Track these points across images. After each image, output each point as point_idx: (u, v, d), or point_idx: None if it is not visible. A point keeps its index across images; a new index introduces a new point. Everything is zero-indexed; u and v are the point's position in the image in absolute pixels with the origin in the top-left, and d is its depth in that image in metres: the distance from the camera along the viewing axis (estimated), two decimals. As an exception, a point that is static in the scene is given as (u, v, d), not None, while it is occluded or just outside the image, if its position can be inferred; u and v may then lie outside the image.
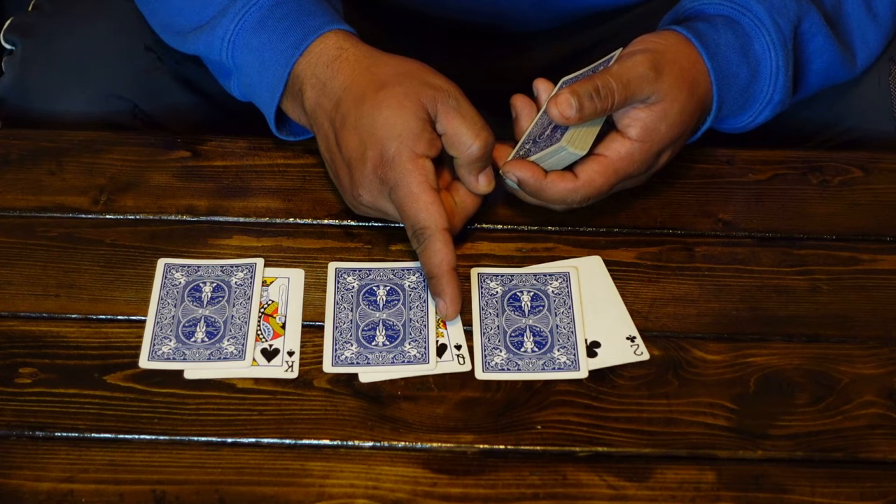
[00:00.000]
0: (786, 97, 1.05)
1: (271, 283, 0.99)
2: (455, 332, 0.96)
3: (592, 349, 0.95)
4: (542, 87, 1.02)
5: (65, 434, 0.89)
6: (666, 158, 1.02)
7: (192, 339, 0.94)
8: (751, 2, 1.03)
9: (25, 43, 1.19)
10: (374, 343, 0.94)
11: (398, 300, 0.97)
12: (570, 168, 0.99)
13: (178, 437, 0.89)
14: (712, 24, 1.03)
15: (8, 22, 1.21)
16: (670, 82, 0.98)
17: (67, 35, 1.17)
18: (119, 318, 0.96)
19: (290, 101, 1.03)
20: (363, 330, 0.95)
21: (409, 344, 0.94)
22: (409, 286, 0.98)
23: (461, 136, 0.97)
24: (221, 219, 1.04)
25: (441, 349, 0.94)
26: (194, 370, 0.93)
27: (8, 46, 1.20)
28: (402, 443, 0.89)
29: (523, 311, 0.97)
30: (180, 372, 0.93)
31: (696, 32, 1.02)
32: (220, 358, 0.93)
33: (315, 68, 1.00)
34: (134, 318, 0.96)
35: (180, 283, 0.98)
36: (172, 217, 1.04)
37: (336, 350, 0.94)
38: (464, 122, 0.97)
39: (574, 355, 0.94)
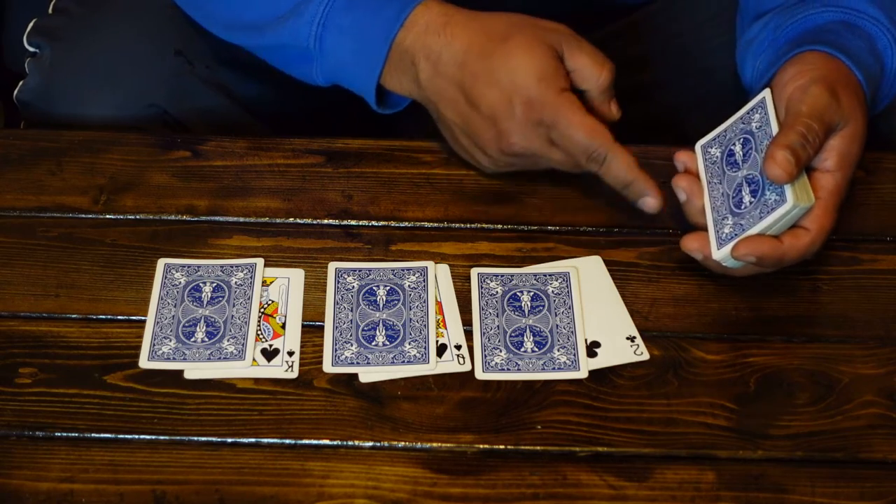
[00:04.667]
0: None
1: (271, 283, 0.99)
2: (455, 332, 0.96)
3: (592, 349, 0.95)
4: (686, 157, 1.00)
5: (65, 434, 0.89)
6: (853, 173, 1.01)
7: (192, 339, 0.94)
8: (862, 3, 1.03)
9: (53, 47, 1.17)
10: (374, 343, 0.94)
11: (398, 300, 0.97)
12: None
13: (178, 437, 0.89)
14: (838, 34, 1.02)
15: (31, 24, 1.20)
16: (849, 103, 0.97)
17: (96, 40, 1.16)
18: (119, 318, 0.96)
19: (398, 75, 1.03)
20: (363, 330, 0.95)
21: (409, 344, 0.94)
22: (409, 286, 0.98)
23: (590, 69, 1.00)
24: (221, 219, 1.04)
25: (441, 349, 0.94)
26: (194, 370, 0.93)
27: (31, 49, 1.19)
28: (402, 443, 0.89)
29: (523, 311, 0.97)
30: (180, 372, 0.93)
31: (838, 47, 1.00)
32: (220, 358, 0.93)
33: (425, 39, 1.00)
34: (134, 318, 0.96)
35: (180, 283, 0.98)
36: (172, 217, 1.04)
37: (336, 350, 0.94)
38: (588, 56, 1.00)
39: (574, 355, 0.94)
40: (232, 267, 1.00)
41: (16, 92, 1.19)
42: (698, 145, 1.00)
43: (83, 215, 1.04)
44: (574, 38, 1.00)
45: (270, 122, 1.20)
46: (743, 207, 0.95)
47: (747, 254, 0.93)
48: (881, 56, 1.03)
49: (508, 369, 0.93)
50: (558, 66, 0.99)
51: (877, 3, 1.04)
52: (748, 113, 0.98)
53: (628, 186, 0.99)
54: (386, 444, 0.89)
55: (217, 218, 1.04)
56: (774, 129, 0.95)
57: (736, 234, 0.94)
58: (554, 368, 0.93)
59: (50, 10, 1.21)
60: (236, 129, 1.17)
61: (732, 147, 0.98)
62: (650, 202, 0.99)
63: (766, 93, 0.98)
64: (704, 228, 0.97)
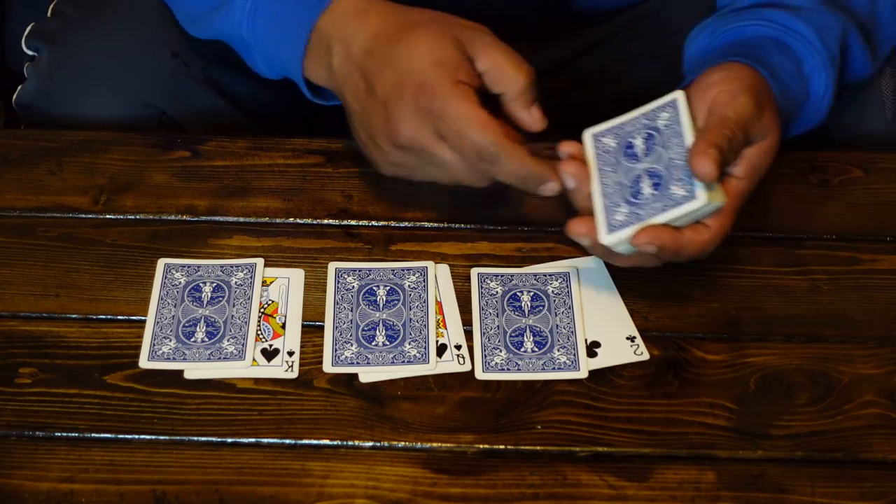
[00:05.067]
0: (827, 115, 1.05)
1: (271, 283, 0.99)
2: (455, 332, 0.96)
3: (592, 349, 0.95)
4: (571, 148, 0.98)
5: (65, 434, 0.89)
6: None
7: (192, 339, 0.94)
8: (796, 21, 1.02)
9: (51, 50, 1.17)
10: (374, 343, 0.94)
11: (398, 300, 0.97)
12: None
13: (178, 437, 0.89)
14: (766, 50, 1.02)
15: (29, 28, 1.20)
16: (769, 118, 0.97)
17: (94, 42, 1.16)
18: (119, 318, 0.96)
19: (315, 61, 1.01)
20: (363, 330, 0.95)
21: (409, 344, 0.94)
22: (409, 286, 0.98)
23: (506, 70, 0.96)
24: (221, 219, 1.04)
25: (441, 349, 0.94)
26: (194, 370, 0.93)
27: (30, 52, 1.20)
28: (402, 443, 0.89)
29: (523, 311, 0.97)
30: (180, 372, 0.93)
31: (764, 64, 0.99)
32: (220, 358, 0.93)
33: (342, 22, 0.99)
34: (134, 318, 0.96)
35: (180, 283, 0.98)
36: (172, 217, 1.04)
37: (336, 350, 0.94)
38: (504, 55, 0.96)
39: (574, 355, 0.94)
40: (232, 267, 1.00)
41: (14, 96, 1.19)
42: (588, 133, 0.98)
43: (83, 215, 1.04)
44: (491, 38, 0.97)
45: (267, 123, 1.20)
46: (640, 198, 0.94)
47: (648, 242, 0.92)
48: (807, 80, 1.03)
49: (508, 369, 0.93)
50: (460, 58, 0.95)
51: (811, 23, 1.03)
52: (655, 110, 0.98)
53: (525, 180, 0.95)
54: (386, 444, 0.89)
55: (217, 218, 1.04)
56: (686, 128, 0.95)
57: (630, 223, 0.94)
58: (554, 368, 0.93)
59: (48, 14, 1.22)
60: (233, 129, 1.17)
61: (632, 140, 0.97)
62: (551, 187, 0.95)
63: (679, 94, 0.97)
64: (590, 214, 0.96)
